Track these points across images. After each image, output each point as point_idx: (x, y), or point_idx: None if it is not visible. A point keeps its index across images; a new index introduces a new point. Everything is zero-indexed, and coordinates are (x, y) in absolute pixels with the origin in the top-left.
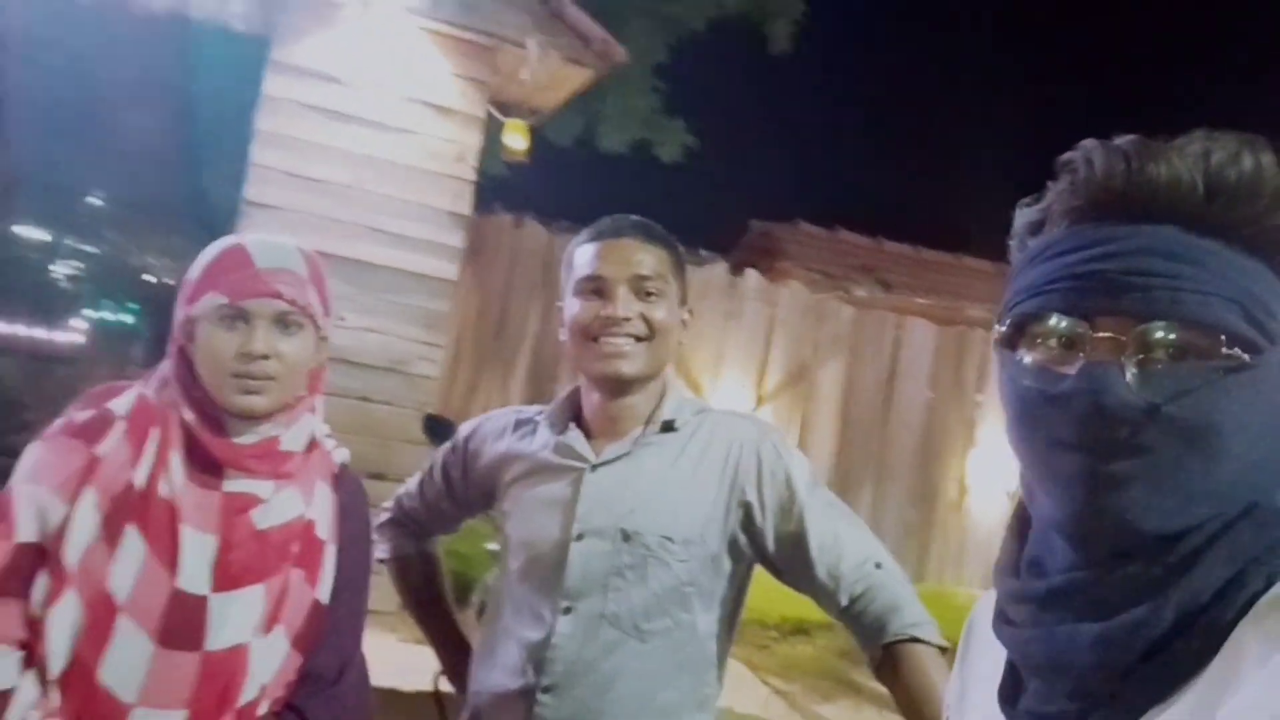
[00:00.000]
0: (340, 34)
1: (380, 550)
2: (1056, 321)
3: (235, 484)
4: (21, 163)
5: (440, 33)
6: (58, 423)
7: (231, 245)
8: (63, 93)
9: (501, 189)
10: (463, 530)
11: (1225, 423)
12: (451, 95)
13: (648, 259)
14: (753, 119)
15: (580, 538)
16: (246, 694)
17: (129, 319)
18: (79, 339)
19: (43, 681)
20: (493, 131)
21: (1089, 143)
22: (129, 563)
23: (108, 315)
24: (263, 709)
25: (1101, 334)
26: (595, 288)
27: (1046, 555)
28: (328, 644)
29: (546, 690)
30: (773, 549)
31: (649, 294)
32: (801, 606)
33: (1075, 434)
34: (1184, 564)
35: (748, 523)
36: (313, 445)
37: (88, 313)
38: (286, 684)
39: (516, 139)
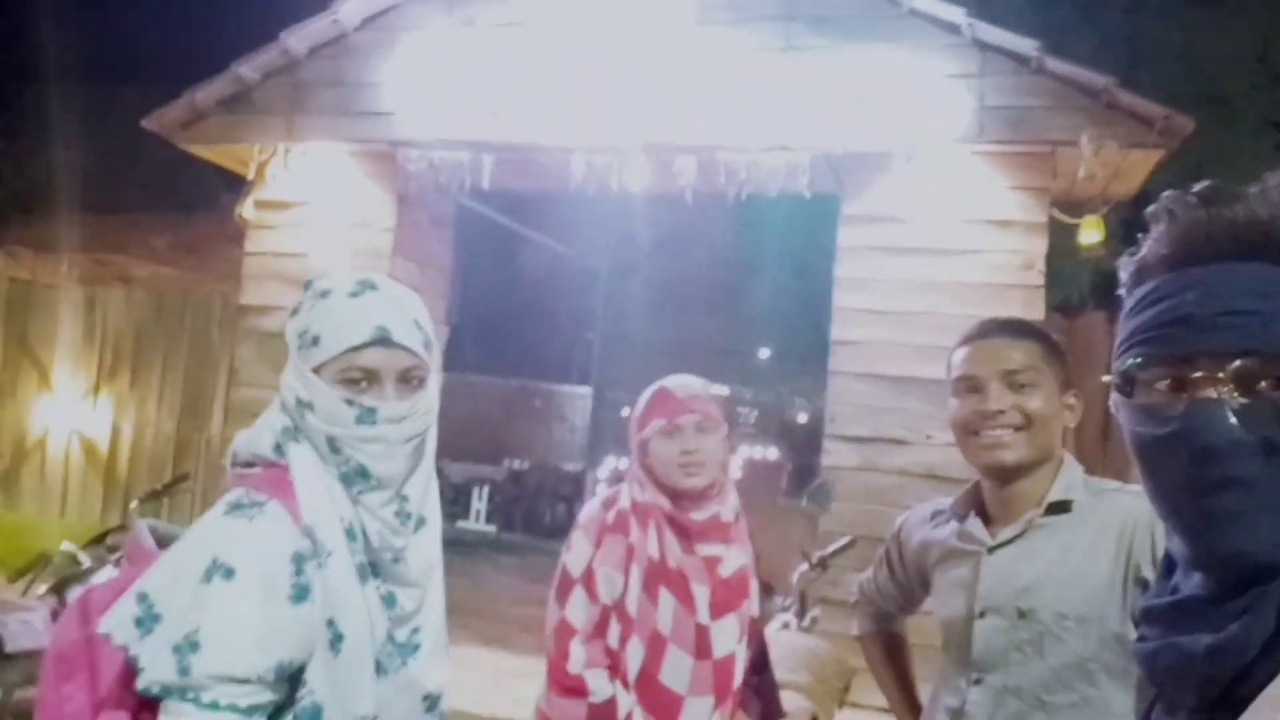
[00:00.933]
0: (897, 178)
1: (854, 628)
2: (1159, 366)
3: (706, 549)
4: (691, 332)
5: (991, 153)
6: (592, 516)
7: (659, 387)
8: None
9: (1091, 290)
10: None
11: None
12: (1010, 208)
13: (1016, 354)
14: None
15: (983, 615)
16: (736, 681)
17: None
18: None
19: (625, 687)
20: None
21: (1170, 194)
22: (667, 610)
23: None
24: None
25: (1200, 374)
26: (970, 385)
27: (1182, 583)
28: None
29: None
30: None
31: (1022, 385)
32: None
33: (1186, 473)
34: None
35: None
36: (738, 515)
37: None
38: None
39: (1092, 234)
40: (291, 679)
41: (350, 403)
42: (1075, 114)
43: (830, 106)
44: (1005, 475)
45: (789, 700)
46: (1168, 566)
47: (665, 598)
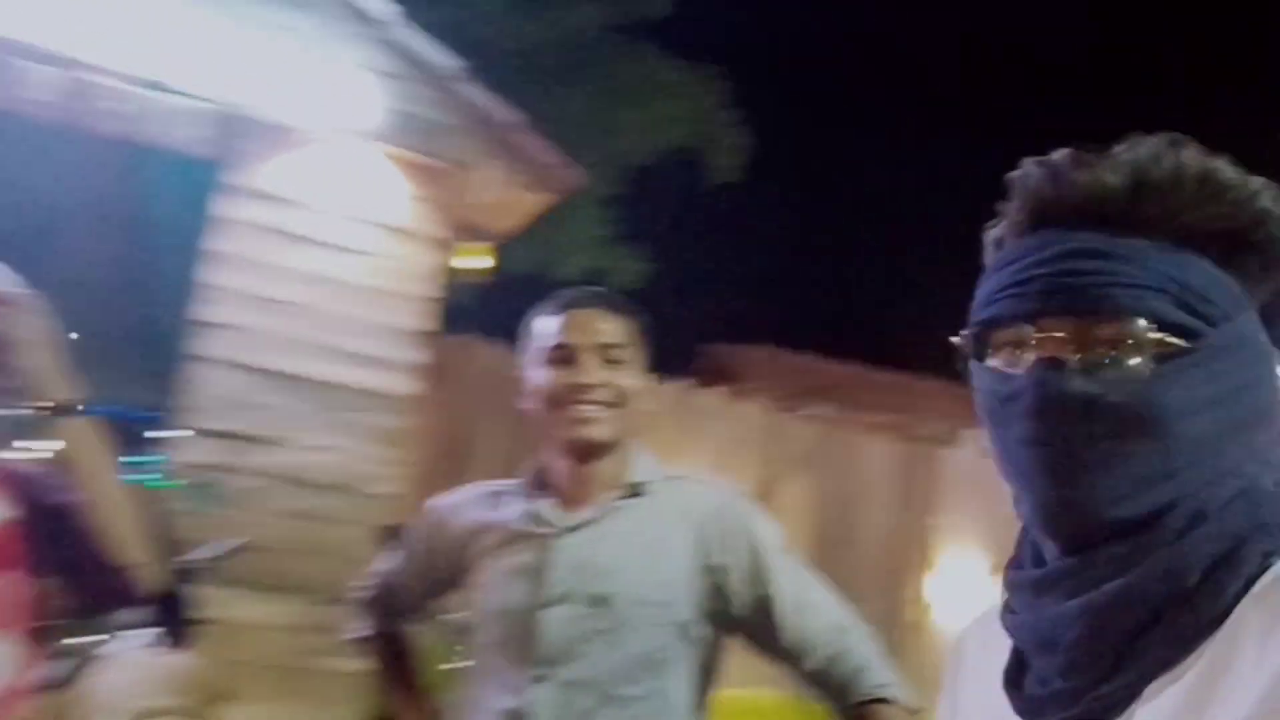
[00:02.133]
0: (297, 159)
1: (356, 630)
2: (1005, 327)
3: None
4: None
5: (399, 158)
6: None
7: None
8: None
9: (462, 314)
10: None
11: (1166, 407)
12: (412, 217)
13: (612, 327)
14: (704, 246)
15: (552, 604)
16: None
17: None
18: None
19: None
20: (453, 255)
21: (1027, 161)
22: None
23: None
24: None
25: (1042, 334)
26: (562, 356)
27: (1040, 548)
28: None
29: None
30: (741, 613)
31: (615, 361)
32: None
33: (1029, 430)
34: (1166, 541)
35: (717, 588)
36: None
37: None
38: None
39: (477, 261)
40: None
41: None
42: (484, 141)
43: (232, 60)
44: (590, 453)
45: None
46: (1025, 535)
47: None
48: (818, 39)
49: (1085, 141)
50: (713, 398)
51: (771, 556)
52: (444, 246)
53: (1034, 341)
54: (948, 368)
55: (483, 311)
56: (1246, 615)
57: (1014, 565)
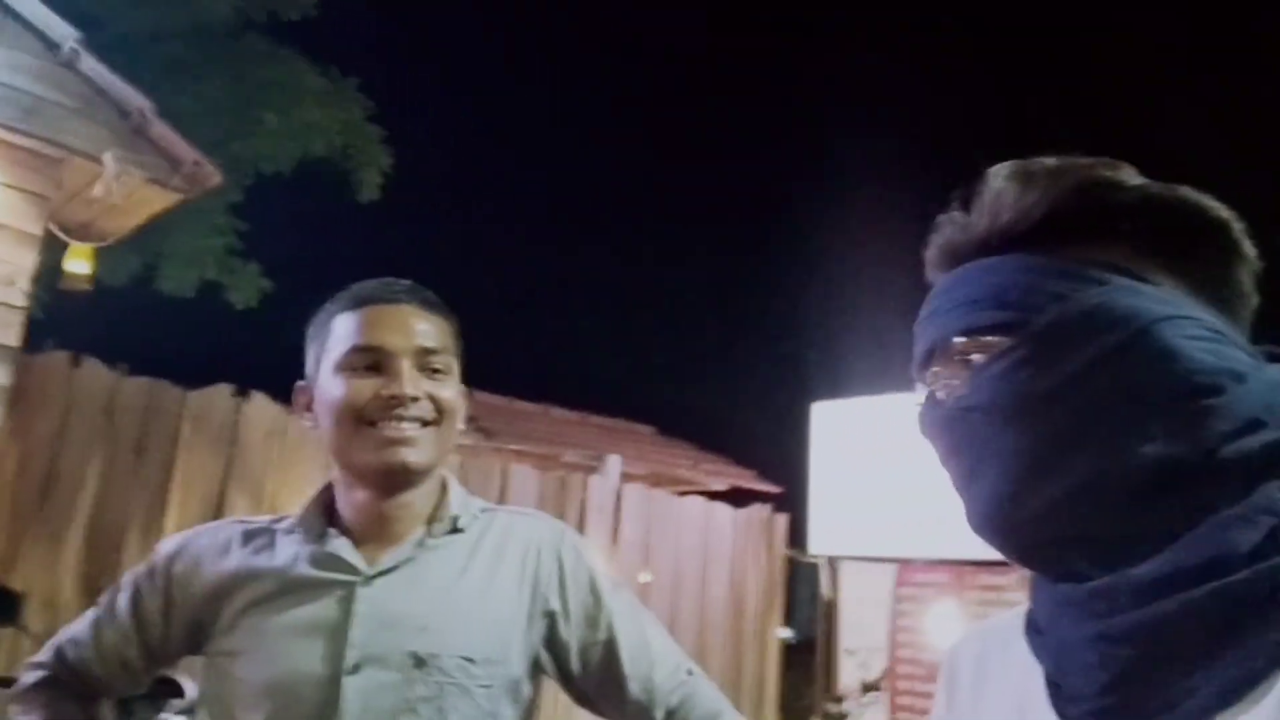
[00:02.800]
0: None
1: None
2: (919, 368)
3: None
4: None
5: None
6: None
7: None
8: None
9: (49, 327)
10: None
11: (1025, 398)
12: (2, 208)
13: (432, 329)
14: (337, 266)
15: (357, 669)
16: None
17: None
18: None
19: None
20: (46, 258)
21: (942, 216)
22: None
23: None
24: None
25: (935, 367)
26: (372, 361)
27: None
28: None
29: None
30: (579, 664)
31: (435, 370)
32: None
33: (937, 453)
34: (1162, 566)
35: (551, 635)
36: None
37: None
38: None
39: (81, 265)
40: None
41: None
42: (100, 126)
43: None
44: (400, 482)
45: None
46: None
47: None
48: (460, 56)
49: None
50: None
51: (610, 598)
52: (37, 246)
53: (931, 374)
54: (581, 400)
55: (77, 325)
56: None
57: (1038, 585)
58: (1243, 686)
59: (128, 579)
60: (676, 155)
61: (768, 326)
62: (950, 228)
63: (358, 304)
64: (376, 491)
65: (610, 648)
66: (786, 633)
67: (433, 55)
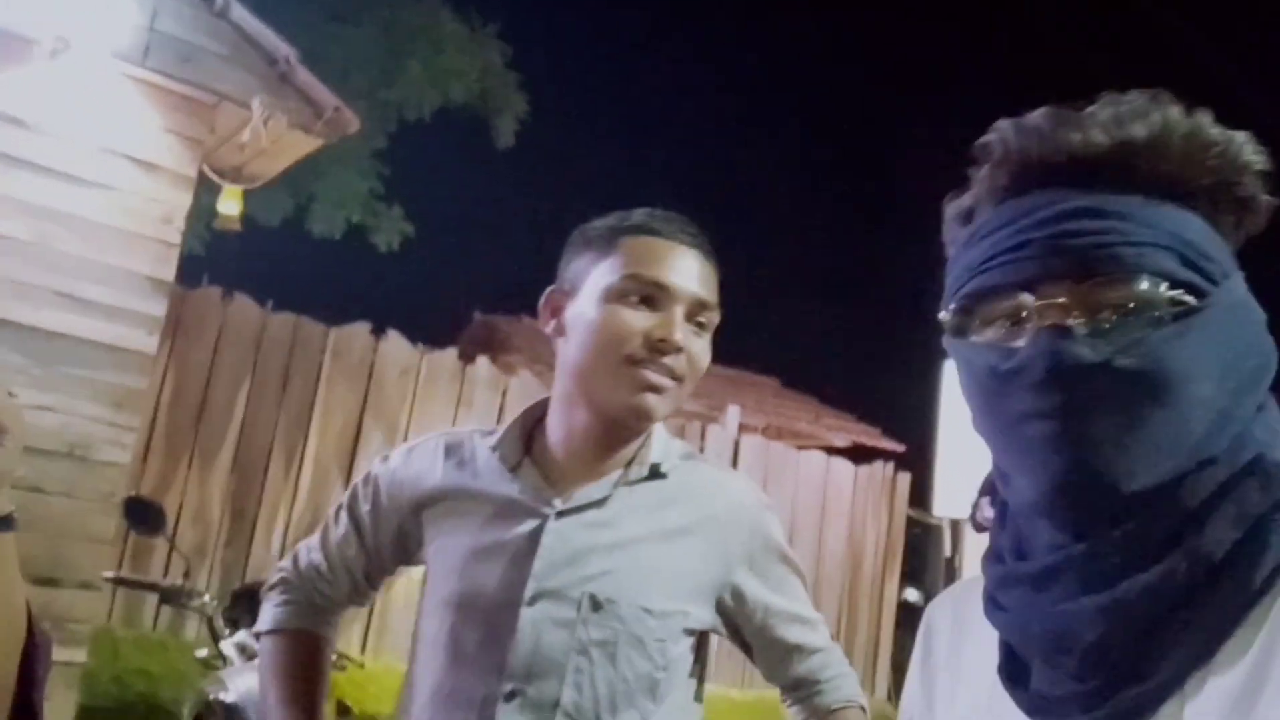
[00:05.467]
0: (31, 74)
1: (261, 620)
2: (999, 298)
3: None
4: None
5: (151, 83)
6: None
7: None
8: None
9: (205, 263)
10: (154, 642)
11: (1182, 369)
12: (160, 151)
13: (709, 280)
14: (475, 211)
15: (534, 601)
16: None
17: None
18: None
19: None
20: (200, 198)
21: (1002, 123)
22: None
23: None
24: None
25: (1045, 300)
26: (648, 295)
27: (1030, 537)
28: None
29: None
30: (752, 630)
31: (701, 325)
32: None
33: (1036, 402)
34: (1184, 524)
35: (736, 605)
36: None
37: None
38: None
39: (231, 205)
40: None
41: None
42: (248, 73)
43: None
44: (639, 428)
45: None
46: (1002, 524)
47: None
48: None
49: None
50: (485, 368)
51: (788, 570)
52: (192, 187)
53: (1035, 309)
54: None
55: (231, 263)
56: None
57: (994, 558)
58: (1212, 644)
59: (351, 488)
60: (809, 118)
61: (900, 281)
62: (1035, 138)
63: (646, 231)
64: (605, 426)
65: (781, 615)
66: (913, 594)
67: (570, 2)
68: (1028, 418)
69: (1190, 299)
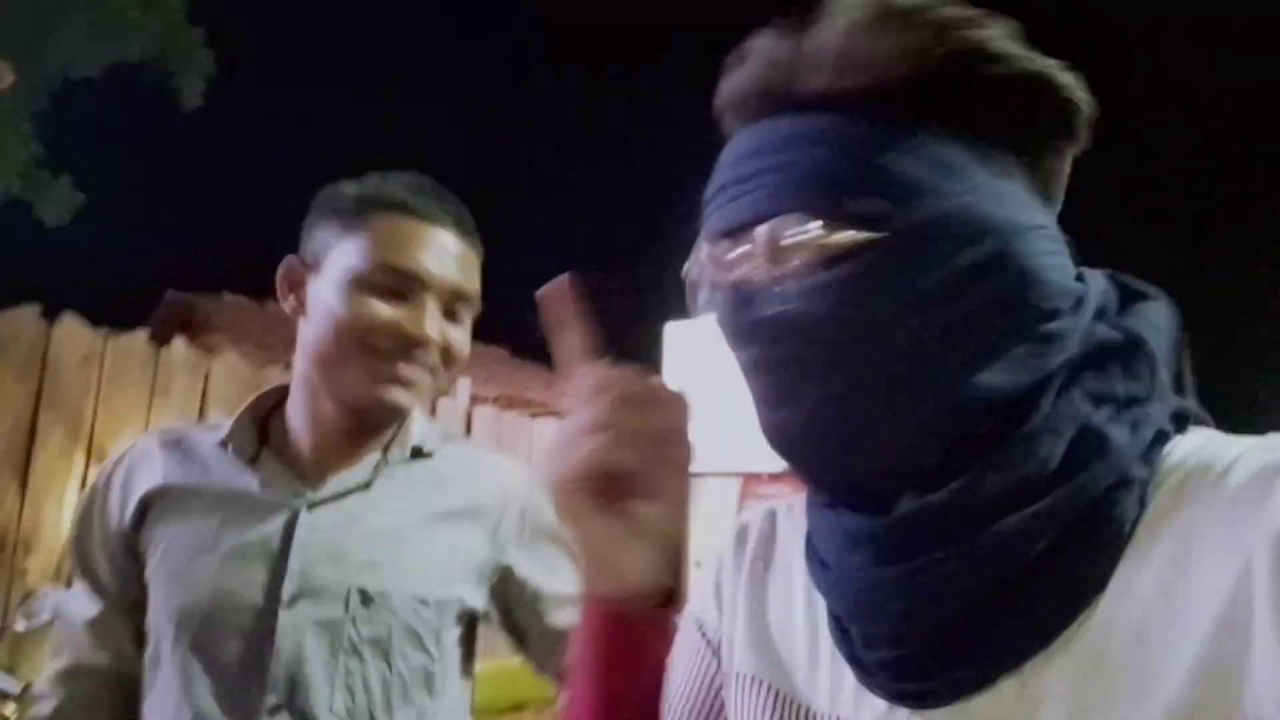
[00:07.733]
0: None
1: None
2: (711, 245)
3: None
4: None
5: None
6: None
7: None
8: None
9: None
10: None
11: (876, 312)
12: None
13: (468, 263)
14: (161, 178)
15: (293, 602)
16: None
17: None
18: None
19: None
20: None
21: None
22: None
23: None
24: None
25: (736, 252)
26: (397, 286)
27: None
28: None
29: None
30: (521, 614)
31: (456, 316)
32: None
33: (743, 364)
34: (970, 492)
35: (503, 587)
36: None
37: None
38: None
39: None
40: None
41: None
42: None
43: None
44: (386, 420)
45: None
46: None
47: None
48: None
49: None
50: (182, 351)
51: (557, 553)
52: None
53: (728, 261)
54: None
55: None
56: (1159, 527)
57: (814, 506)
58: (1051, 630)
59: (77, 534)
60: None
61: (622, 242)
62: (767, 65)
63: (399, 209)
64: (349, 417)
65: (550, 599)
66: None
67: None
68: (744, 374)
69: (868, 232)
